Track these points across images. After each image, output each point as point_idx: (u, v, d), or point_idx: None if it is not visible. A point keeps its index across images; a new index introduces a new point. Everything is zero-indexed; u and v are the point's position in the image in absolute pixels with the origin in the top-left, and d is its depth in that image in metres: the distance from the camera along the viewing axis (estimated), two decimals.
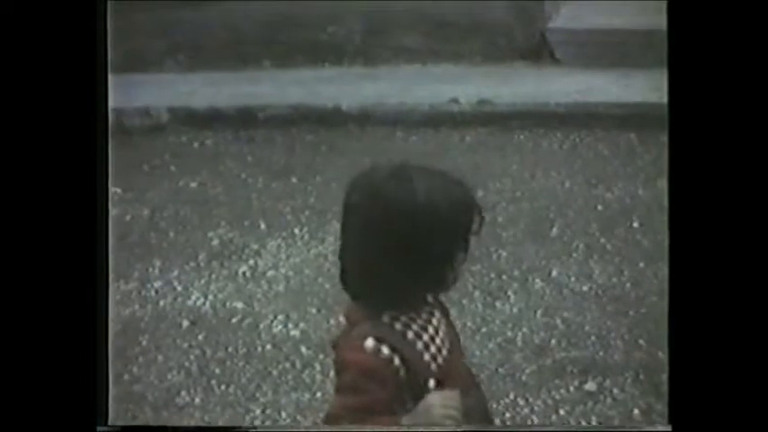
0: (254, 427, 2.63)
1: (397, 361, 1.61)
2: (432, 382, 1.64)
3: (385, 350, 1.60)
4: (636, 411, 2.72)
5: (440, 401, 1.59)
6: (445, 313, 1.76)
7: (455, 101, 5.10)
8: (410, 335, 1.64)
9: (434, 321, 1.69)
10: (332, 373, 2.90)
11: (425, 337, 1.65)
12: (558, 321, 3.19)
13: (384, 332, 1.62)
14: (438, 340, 1.68)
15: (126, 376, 2.98)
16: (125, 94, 5.29)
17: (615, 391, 2.82)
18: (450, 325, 1.75)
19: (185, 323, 3.29)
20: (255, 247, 3.82)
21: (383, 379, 1.60)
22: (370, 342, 1.60)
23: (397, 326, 1.64)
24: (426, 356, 1.64)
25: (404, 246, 1.57)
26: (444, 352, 1.68)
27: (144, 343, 3.17)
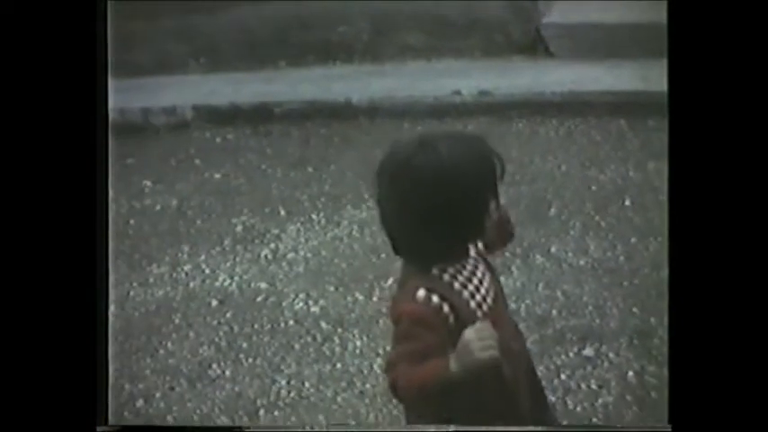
0: (256, 427, 2.62)
1: (446, 308, 1.64)
2: None
3: (435, 299, 1.64)
4: (630, 373, 2.73)
5: (475, 335, 1.59)
6: (489, 267, 1.78)
7: (457, 93, 5.09)
8: (456, 285, 1.67)
9: (479, 273, 1.72)
10: (350, 346, 2.96)
11: (471, 287, 1.69)
12: (558, 293, 3.20)
13: (433, 283, 1.66)
14: (483, 290, 1.71)
15: (161, 351, 3.00)
16: (153, 94, 5.34)
17: (611, 355, 2.83)
18: (494, 278, 1.79)
19: (214, 302, 3.31)
20: (276, 231, 3.83)
21: (434, 325, 1.63)
22: (421, 292, 1.64)
23: (445, 277, 1.67)
24: (472, 304, 1.68)
25: (440, 205, 1.61)
26: (489, 300, 1.72)
27: (177, 321, 3.19)
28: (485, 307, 1.70)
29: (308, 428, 2.60)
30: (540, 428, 2.42)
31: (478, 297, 1.70)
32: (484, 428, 1.74)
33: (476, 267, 1.73)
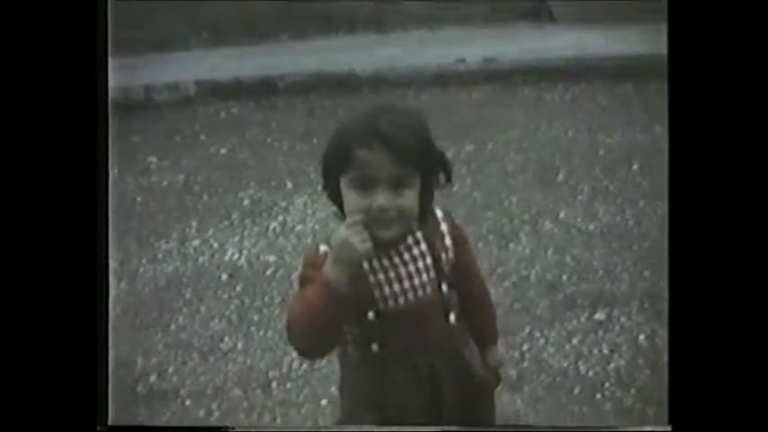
0: (252, 427, 2.60)
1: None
2: (371, 315, 1.63)
3: (323, 248, 1.61)
4: (642, 337, 2.72)
5: (350, 231, 1.56)
6: (434, 259, 1.67)
7: (461, 61, 5.07)
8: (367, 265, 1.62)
9: (406, 255, 1.65)
10: None
11: (390, 275, 1.64)
12: (568, 259, 3.19)
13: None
14: (405, 283, 1.64)
15: (173, 326, 3.00)
16: (156, 72, 5.32)
17: (623, 319, 2.82)
18: (436, 273, 1.67)
19: (224, 277, 3.31)
20: (283, 204, 3.83)
21: (316, 263, 1.59)
22: (323, 247, 1.62)
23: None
24: (378, 292, 1.63)
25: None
26: (409, 296, 1.64)
27: (187, 296, 3.19)
28: (392, 301, 1.63)
29: (300, 429, 2.59)
30: (538, 428, 2.42)
31: (392, 288, 1.63)
32: (475, 428, 1.72)
33: (406, 250, 1.65)
